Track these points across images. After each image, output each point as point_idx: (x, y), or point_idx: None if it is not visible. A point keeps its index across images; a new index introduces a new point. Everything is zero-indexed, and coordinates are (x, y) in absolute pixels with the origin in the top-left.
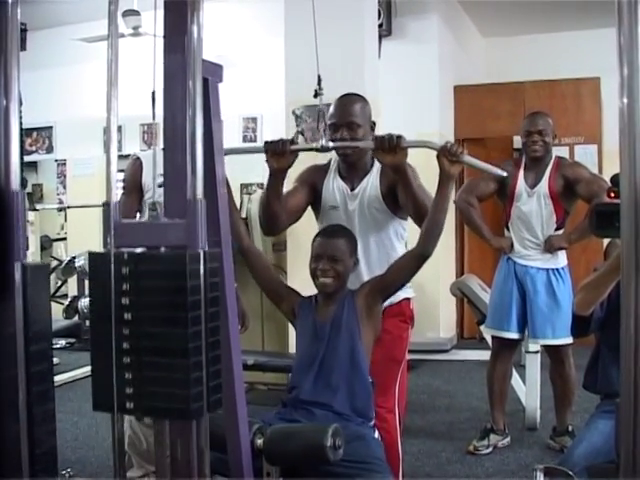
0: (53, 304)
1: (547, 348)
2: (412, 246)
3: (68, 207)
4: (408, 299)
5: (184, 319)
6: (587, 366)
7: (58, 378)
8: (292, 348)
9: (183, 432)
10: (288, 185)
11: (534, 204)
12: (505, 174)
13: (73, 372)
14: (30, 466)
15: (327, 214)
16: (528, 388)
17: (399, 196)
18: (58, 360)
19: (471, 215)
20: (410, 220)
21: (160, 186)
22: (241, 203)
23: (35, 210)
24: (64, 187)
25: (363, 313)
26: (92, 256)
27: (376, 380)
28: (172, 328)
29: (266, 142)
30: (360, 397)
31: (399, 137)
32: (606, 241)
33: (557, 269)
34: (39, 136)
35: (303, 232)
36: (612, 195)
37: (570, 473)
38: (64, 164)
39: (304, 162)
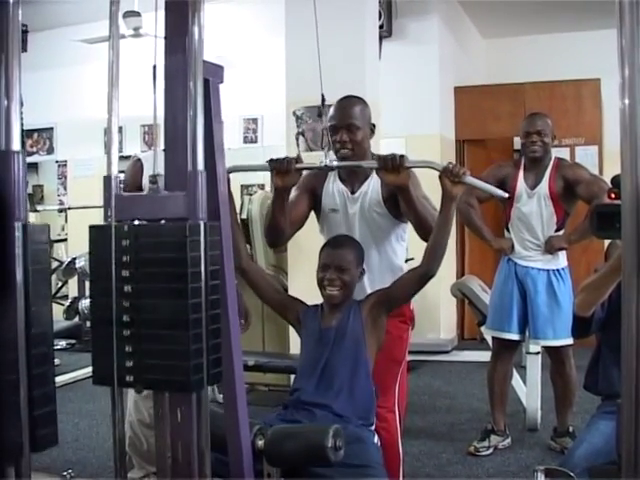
0: (54, 305)
1: (548, 349)
2: (412, 247)
3: (69, 208)
4: None
5: (184, 290)
6: (588, 367)
7: (59, 379)
8: (293, 349)
9: (183, 405)
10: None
11: (534, 205)
12: (507, 195)
13: (74, 373)
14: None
15: (327, 217)
16: (529, 389)
17: (401, 206)
18: (59, 361)
19: (471, 216)
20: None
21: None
22: (242, 204)
23: (36, 211)
24: (65, 188)
25: (368, 323)
26: (92, 229)
27: (376, 380)
28: (172, 299)
29: (271, 160)
30: (361, 402)
31: (402, 157)
32: (607, 242)
33: (558, 270)
34: (40, 137)
35: (303, 233)
36: (612, 196)
37: (571, 474)
38: (65, 165)
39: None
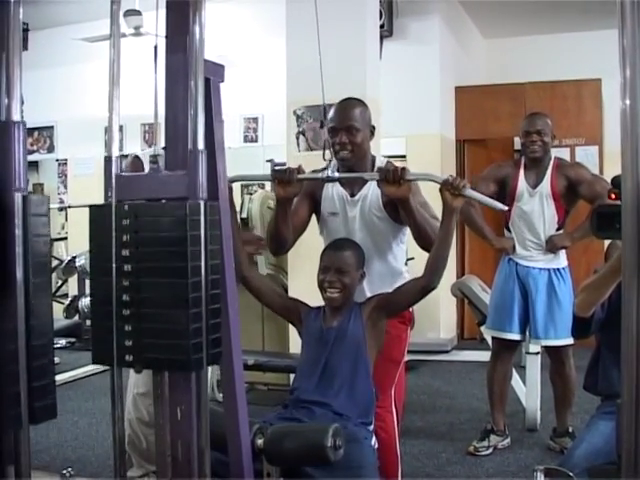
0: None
1: (548, 349)
2: (411, 247)
3: (69, 207)
4: None
5: (184, 269)
6: (588, 367)
7: (58, 377)
8: (292, 348)
9: (182, 385)
10: None
11: (536, 204)
12: (506, 208)
13: (73, 372)
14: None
15: (327, 221)
16: (528, 389)
17: (401, 215)
18: (58, 359)
19: (472, 216)
20: None
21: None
22: (242, 203)
23: None
24: (65, 187)
25: (369, 326)
26: (93, 208)
27: (374, 379)
28: (172, 278)
29: (274, 170)
30: (361, 401)
31: (403, 169)
32: (607, 242)
33: (558, 269)
34: (40, 136)
35: (304, 233)
36: (613, 196)
37: (570, 474)
38: (65, 164)
39: (304, 167)
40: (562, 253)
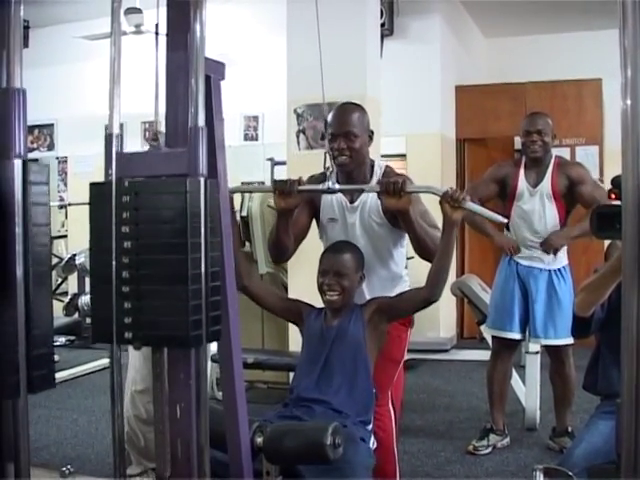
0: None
1: (548, 348)
2: (411, 247)
3: (69, 204)
4: None
5: (184, 245)
6: (587, 367)
7: (58, 375)
8: (292, 347)
9: (181, 362)
10: None
11: (536, 203)
12: (506, 221)
13: (73, 370)
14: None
15: (326, 227)
16: (528, 388)
17: (400, 223)
18: (58, 357)
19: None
20: None
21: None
22: (242, 201)
23: None
24: (65, 185)
25: (369, 327)
26: (93, 186)
27: (374, 378)
28: (172, 255)
29: (275, 181)
30: (360, 400)
31: (404, 182)
32: (607, 242)
33: (558, 269)
34: (40, 133)
35: None
36: (613, 196)
37: (570, 473)
38: (65, 162)
39: (304, 165)
40: (563, 252)
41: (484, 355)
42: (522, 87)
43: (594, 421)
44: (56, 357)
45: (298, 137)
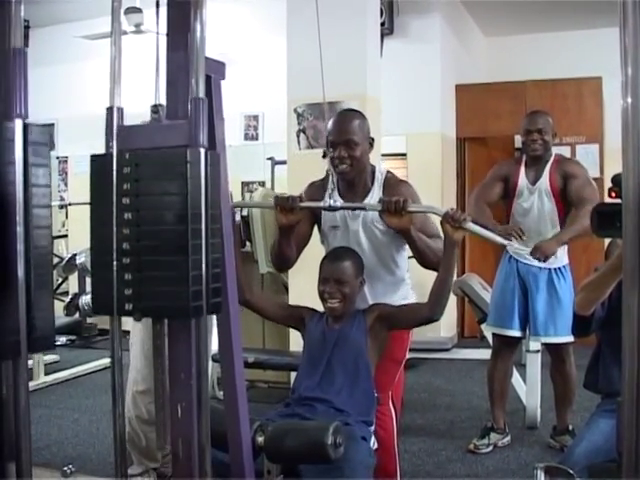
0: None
1: (548, 346)
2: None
3: (69, 204)
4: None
5: (184, 216)
6: (588, 365)
7: (59, 375)
8: (293, 346)
9: (182, 333)
10: None
11: (535, 200)
12: (506, 243)
13: (74, 369)
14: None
15: (328, 234)
16: (528, 387)
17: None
18: (59, 357)
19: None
20: None
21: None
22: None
23: None
24: (65, 184)
25: (371, 333)
26: (93, 158)
27: (375, 378)
28: (172, 225)
29: (276, 197)
30: (362, 401)
31: (405, 201)
32: (607, 241)
33: (559, 267)
34: None
35: None
36: (613, 195)
37: (571, 472)
38: (65, 161)
39: (304, 165)
40: (563, 251)
41: (485, 354)
42: (522, 86)
43: (595, 419)
44: (57, 357)
45: (298, 136)
